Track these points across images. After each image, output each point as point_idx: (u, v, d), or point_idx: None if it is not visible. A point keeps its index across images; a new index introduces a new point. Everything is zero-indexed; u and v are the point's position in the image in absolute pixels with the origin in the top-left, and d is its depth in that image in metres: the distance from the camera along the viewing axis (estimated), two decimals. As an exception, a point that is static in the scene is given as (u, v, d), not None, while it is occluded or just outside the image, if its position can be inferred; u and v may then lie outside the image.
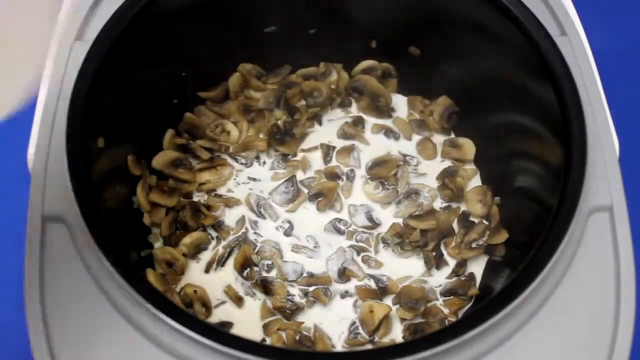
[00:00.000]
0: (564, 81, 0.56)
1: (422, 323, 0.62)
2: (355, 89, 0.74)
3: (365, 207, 0.68)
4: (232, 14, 0.68)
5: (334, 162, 0.71)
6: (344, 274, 0.65)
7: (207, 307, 0.63)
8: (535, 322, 0.50)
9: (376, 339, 0.62)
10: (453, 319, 0.63)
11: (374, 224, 0.68)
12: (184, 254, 0.65)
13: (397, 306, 0.63)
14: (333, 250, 0.66)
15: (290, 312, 0.62)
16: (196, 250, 0.66)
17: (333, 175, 0.70)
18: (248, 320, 0.63)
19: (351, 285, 0.65)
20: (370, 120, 0.74)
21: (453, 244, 0.67)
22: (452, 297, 0.64)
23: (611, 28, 0.90)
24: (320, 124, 0.74)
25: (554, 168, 0.56)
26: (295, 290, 0.64)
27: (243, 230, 0.67)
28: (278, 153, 0.71)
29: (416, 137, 0.73)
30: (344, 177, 0.70)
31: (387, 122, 0.74)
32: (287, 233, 0.67)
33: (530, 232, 0.59)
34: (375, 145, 0.72)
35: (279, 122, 0.71)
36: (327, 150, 0.71)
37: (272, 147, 0.71)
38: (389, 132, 0.73)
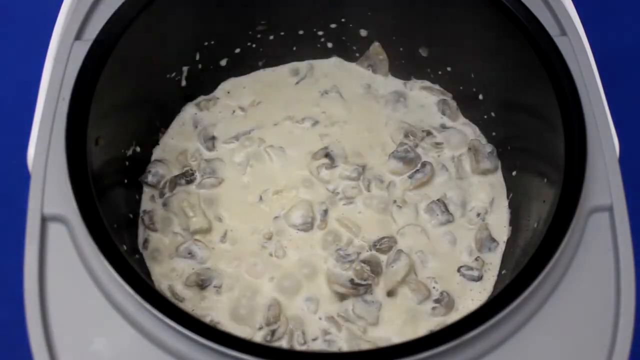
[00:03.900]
0: (564, 81, 0.56)
1: None
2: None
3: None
4: (233, 11, 0.68)
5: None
6: None
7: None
8: (536, 322, 0.50)
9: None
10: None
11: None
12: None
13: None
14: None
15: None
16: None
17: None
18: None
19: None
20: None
21: None
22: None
23: (611, 28, 0.90)
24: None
25: (554, 168, 0.56)
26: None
27: None
28: None
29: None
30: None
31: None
32: None
33: (530, 231, 0.59)
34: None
35: None
36: None
37: None
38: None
